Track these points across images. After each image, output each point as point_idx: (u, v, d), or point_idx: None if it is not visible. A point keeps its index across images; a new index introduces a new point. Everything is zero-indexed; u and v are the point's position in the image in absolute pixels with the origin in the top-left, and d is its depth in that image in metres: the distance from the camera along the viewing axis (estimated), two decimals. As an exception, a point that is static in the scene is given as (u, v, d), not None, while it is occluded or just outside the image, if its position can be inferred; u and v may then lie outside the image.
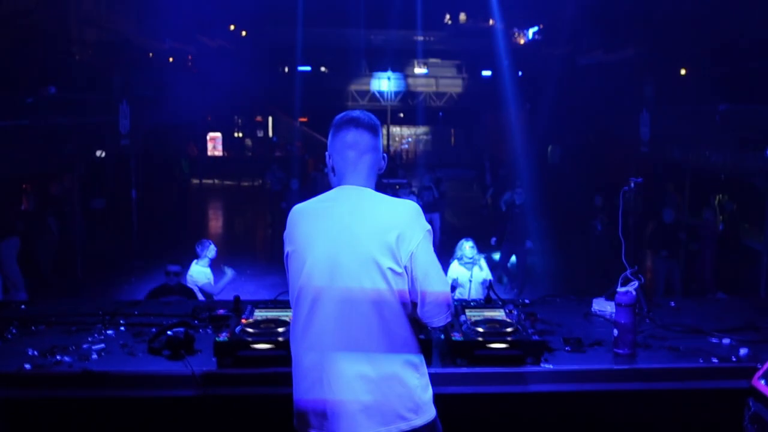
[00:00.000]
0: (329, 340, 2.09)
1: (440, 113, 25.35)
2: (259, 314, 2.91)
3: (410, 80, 25.16)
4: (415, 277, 2.09)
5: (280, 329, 2.65)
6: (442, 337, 2.81)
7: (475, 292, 6.46)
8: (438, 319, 2.16)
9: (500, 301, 3.20)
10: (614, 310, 2.77)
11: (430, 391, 2.19)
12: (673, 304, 3.45)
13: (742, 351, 2.72)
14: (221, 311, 3.12)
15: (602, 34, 15.32)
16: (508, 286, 10.12)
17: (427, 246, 2.12)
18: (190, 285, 6.65)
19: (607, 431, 2.72)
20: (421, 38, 22.56)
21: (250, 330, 2.66)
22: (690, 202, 11.55)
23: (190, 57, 19.90)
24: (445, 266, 6.35)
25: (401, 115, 26.02)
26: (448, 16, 25.31)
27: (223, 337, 2.61)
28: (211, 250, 6.94)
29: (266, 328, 2.68)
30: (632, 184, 3.38)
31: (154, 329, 2.86)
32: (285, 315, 2.85)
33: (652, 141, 12.00)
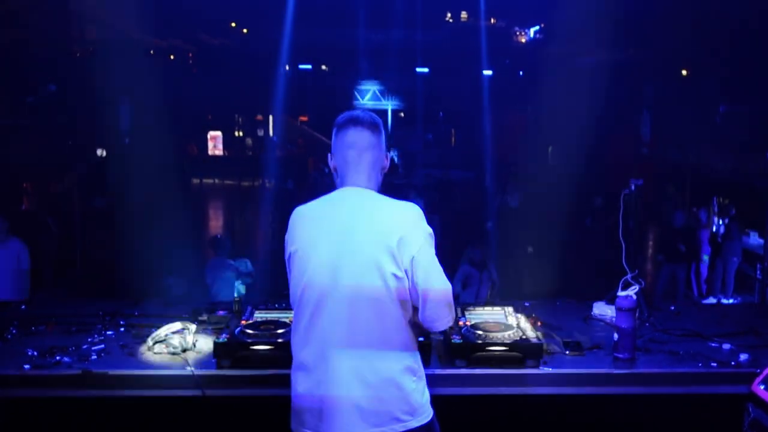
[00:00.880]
0: (329, 342, 2.10)
1: (440, 113, 25.32)
2: (259, 315, 2.92)
3: (411, 79, 25.13)
4: (417, 280, 2.08)
5: (280, 331, 2.66)
6: (442, 338, 2.82)
7: (485, 295, 6.43)
8: (439, 324, 2.15)
9: (500, 303, 3.21)
10: (614, 314, 2.77)
11: (427, 394, 2.19)
12: (673, 308, 3.45)
13: (742, 356, 2.72)
14: (221, 312, 3.13)
15: (603, 35, 15.31)
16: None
17: (428, 249, 2.11)
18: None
19: (606, 435, 2.72)
20: (422, 37, 22.55)
21: (250, 331, 2.66)
22: (690, 204, 11.55)
23: (190, 55, 19.90)
24: (451, 269, 6.34)
25: (402, 114, 26.00)
26: (449, 15, 25.32)
27: (223, 338, 2.62)
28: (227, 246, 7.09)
29: (265, 330, 2.68)
30: (632, 186, 3.38)
31: (153, 330, 2.86)
32: (284, 316, 2.85)
33: (652, 142, 12.00)
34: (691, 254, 9.66)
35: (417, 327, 2.17)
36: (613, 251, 3.25)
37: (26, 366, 2.56)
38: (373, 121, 2.25)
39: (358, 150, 2.21)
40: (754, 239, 10.29)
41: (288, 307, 3.00)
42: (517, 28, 22.02)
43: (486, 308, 3.09)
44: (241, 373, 2.57)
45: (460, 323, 2.79)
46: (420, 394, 2.15)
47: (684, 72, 13.17)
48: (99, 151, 13.15)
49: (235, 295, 6.00)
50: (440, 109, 25.23)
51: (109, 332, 2.96)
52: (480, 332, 2.68)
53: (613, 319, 2.81)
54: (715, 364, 2.68)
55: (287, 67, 24.33)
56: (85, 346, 2.77)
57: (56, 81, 10.44)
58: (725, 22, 10.53)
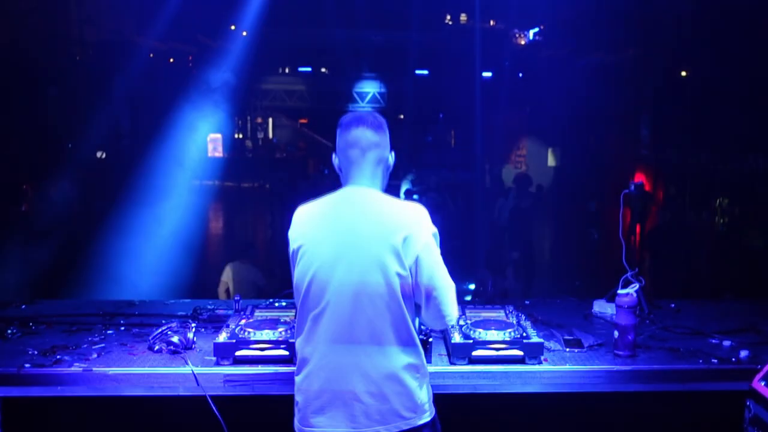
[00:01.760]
0: (333, 339, 2.11)
1: (441, 114, 25.33)
2: (259, 314, 2.91)
3: (411, 81, 25.14)
4: (421, 279, 2.10)
5: (280, 330, 2.65)
6: (442, 336, 2.82)
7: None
8: (441, 322, 2.17)
9: (500, 301, 3.21)
10: (615, 312, 2.77)
11: (430, 392, 2.21)
12: (673, 305, 3.45)
13: (743, 353, 2.72)
14: (221, 311, 3.13)
15: (602, 35, 15.33)
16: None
17: (433, 248, 2.13)
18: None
19: (607, 432, 2.72)
20: (421, 39, 22.55)
21: (250, 330, 2.66)
22: (690, 204, 11.55)
23: (190, 57, 19.89)
24: (461, 271, 6.31)
25: (401, 116, 26.00)
26: (448, 17, 25.32)
27: (223, 337, 2.61)
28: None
29: (266, 329, 2.68)
30: (632, 187, 3.38)
31: (154, 329, 2.86)
32: (285, 316, 2.85)
33: (652, 142, 12.00)
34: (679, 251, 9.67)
35: (418, 324, 2.18)
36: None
37: (27, 365, 2.56)
38: (376, 120, 2.26)
39: (362, 149, 2.22)
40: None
41: (288, 307, 3.01)
42: (516, 30, 22.01)
43: (486, 306, 3.09)
44: (242, 372, 2.56)
45: (461, 321, 2.79)
46: (423, 391, 2.17)
47: (684, 72, 13.17)
48: (98, 153, 13.15)
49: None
50: (440, 111, 25.23)
51: (109, 331, 2.96)
52: (480, 330, 2.68)
53: (614, 316, 2.81)
54: (715, 361, 2.68)
55: (287, 70, 24.37)
56: (85, 345, 2.77)
57: (56, 82, 10.45)
58: (725, 21, 10.53)
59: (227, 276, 7.00)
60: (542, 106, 15.92)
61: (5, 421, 2.54)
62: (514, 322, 2.82)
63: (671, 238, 9.65)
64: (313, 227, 2.17)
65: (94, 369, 2.54)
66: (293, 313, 2.72)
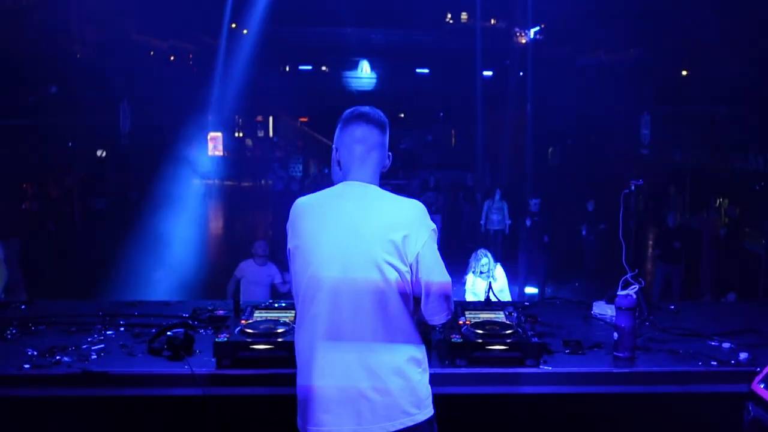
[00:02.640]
0: (335, 335, 2.11)
1: (441, 113, 25.33)
2: (259, 315, 2.91)
3: (411, 80, 25.13)
4: (420, 275, 2.12)
5: (280, 330, 2.65)
6: (442, 337, 2.82)
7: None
8: (440, 317, 2.19)
9: (500, 303, 3.20)
10: (614, 314, 2.77)
11: (429, 387, 2.21)
12: (673, 307, 3.45)
13: (742, 355, 2.72)
14: (221, 312, 3.13)
15: (603, 35, 15.33)
16: None
17: (432, 245, 2.15)
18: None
19: (606, 434, 2.72)
20: (422, 38, 22.55)
21: (250, 331, 2.66)
22: (691, 205, 11.55)
23: (191, 56, 19.89)
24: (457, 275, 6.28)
25: (402, 115, 25.99)
26: (449, 16, 25.30)
27: (223, 337, 2.61)
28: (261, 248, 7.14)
29: (266, 329, 2.67)
30: (632, 187, 3.38)
31: (153, 330, 2.86)
32: (284, 316, 2.85)
33: (652, 143, 12.00)
34: (688, 255, 9.65)
35: (420, 320, 2.20)
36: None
37: (26, 365, 2.56)
38: (381, 119, 2.26)
39: (366, 147, 2.23)
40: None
41: (288, 307, 3.00)
42: (517, 29, 22.00)
43: (486, 308, 3.09)
44: (241, 372, 2.56)
45: (460, 322, 2.79)
46: (425, 386, 2.18)
47: (684, 72, 13.17)
48: (99, 152, 13.17)
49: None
50: (440, 111, 25.22)
51: (108, 332, 2.96)
52: (480, 331, 2.68)
53: (613, 318, 2.81)
54: (714, 363, 2.68)
55: (287, 68, 24.35)
56: (84, 346, 2.76)
57: (56, 81, 10.45)
58: (725, 21, 10.54)
59: (240, 273, 7.05)
60: (543, 105, 15.91)
61: (5, 421, 2.54)
62: (514, 323, 2.82)
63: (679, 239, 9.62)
64: (313, 222, 2.17)
65: (93, 370, 2.54)
66: (293, 314, 2.72)
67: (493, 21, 20.80)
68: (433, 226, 2.18)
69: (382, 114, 2.28)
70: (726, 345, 2.86)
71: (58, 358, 2.63)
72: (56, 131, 10.33)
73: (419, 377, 2.16)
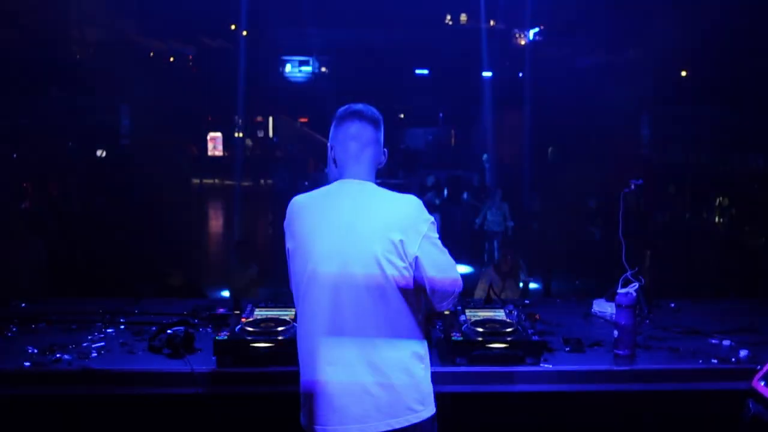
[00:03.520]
0: (336, 331, 2.10)
1: (440, 114, 25.34)
2: (259, 313, 2.91)
3: (411, 80, 25.12)
4: (425, 269, 2.11)
5: (280, 328, 2.65)
6: (442, 336, 2.82)
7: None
8: (448, 302, 2.20)
9: (500, 301, 3.21)
10: (614, 311, 2.77)
11: (431, 384, 2.21)
12: (673, 305, 3.45)
13: (742, 352, 2.72)
14: (221, 310, 3.13)
15: (602, 35, 15.33)
16: None
17: (432, 237, 2.15)
18: None
19: (607, 432, 2.72)
20: (421, 39, 22.54)
21: (250, 329, 2.66)
22: (691, 204, 11.55)
23: (190, 57, 19.90)
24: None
25: (402, 115, 26.00)
26: (448, 17, 25.31)
27: (223, 335, 2.61)
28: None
29: (266, 327, 2.68)
30: (632, 186, 3.38)
31: (154, 328, 2.86)
32: (285, 314, 2.85)
33: (652, 142, 12.01)
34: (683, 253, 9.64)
35: (421, 314, 2.20)
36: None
37: (26, 363, 2.56)
38: (374, 116, 2.26)
39: (361, 144, 2.22)
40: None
41: (288, 305, 3.00)
42: (516, 30, 22.01)
43: (486, 306, 3.09)
44: (242, 371, 2.56)
45: (461, 320, 2.79)
46: (428, 382, 2.18)
47: (684, 72, 13.17)
48: (99, 152, 13.16)
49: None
50: (440, 111, 25.23)
51: (109, 330, 2.96)
52: (480, 330, 2.68)
53: (613, 316, 2.81)
54: (715, 361, 2.68)
55: (287, 68, 24.36)
56: (85, 344, 2.77)
57: (56, 82, 10.45)
58: (725, 21, 10.54)
59: (254, 272, 7.03)
60: (542, 105, 15.92)
61: (5, 420, 2.54)
62: (514, 321, 2.82)
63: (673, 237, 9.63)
64: (310, 221, 2.17)
65: (93, 368, 2.55)
66: (293, 312, 2.72)
67: (492, 22, 20.78)
68: (431, 218, 2.18)
69: (375, 110, 2.28)
70: (726, 343, 2.86)
71: (58, 356, 2.63)
72: (56, 131, 10.32)
73: (423, 373, 2.16)
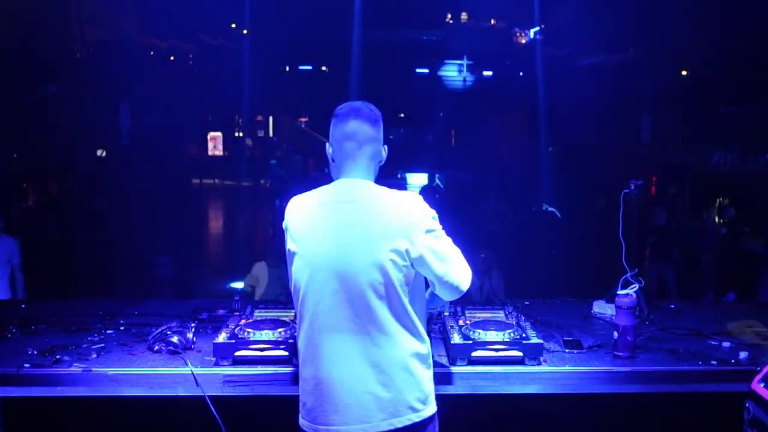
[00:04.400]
0: (337, 332, 2.10)
1: (441, 113, 25.31)
2: (259, 314, 2.91)
3: (411, 80, 25.10)
4: (431, 265, 2.11)
5: (279, 330, 2.65)
6: (441, 337, 2.82)
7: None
8: (457, 292, 2.19)
9: (500, 302, 3.21)
10: (614, 313, 2.77)
11: (433, 384, 2.21)
12: (673, 306, 3.45)
13: (742, 354, 2.72)
14: (221, 311, 3.13)
15: (603, 35, 15.33)
16: None
17: (436, 232, 2.14)
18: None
19: (606, 433, 2.72)
20: (422, 38, 22.54)
21: (250, 330, 2.66)
22: (691, 205, 11.54)
23: (191, 56, 19.89)
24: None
25: (402, 115, 25.98)
26: (449, 16, 25.30)
27: (223, 337, 2.61)
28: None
29: (265, 329, 2.68)
30: (632, 186, 3.38)
31: (154, 329, 2.86)
32: (284, 315, 2.85)
33: (652, 143, 12.00)
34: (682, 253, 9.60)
35: (424, 314, 2.22)
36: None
37: (26, 365, 2.56)
38: (372, 113, 2.24)
39: (358, 142, 2.20)
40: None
41: (288, 307, 3.00)
42: (517, 29, 22.00)
43: (486, 307, 3.09)
44: (241, 372, 2.56)
45: (460, 322, 2.79)
46: (430, 382, 2.18)
47: (684, 72, 13.17)
48: (99, 151, 13.16)
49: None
50: (440, 111, 25.20)
51: (109, 331, 2.96)
52: (480, 331, 2.68)
53: (613, 317, 2.81)
54: (714, 362, 2.68)
55: (287, 68, 24.34)
56: (85, 345, 2.76)
57: (56, 81, 10.45)
58: (725, 21, 10.54)
59: (258, 271, 6.93)
60: (542, 105, 15.90)
61: (5, 421, 2.54)
62: (514, 322, 2.82)
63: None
64: (310, 223, 2.16)
65: (93, 369, 2.54)
66: (293, 313, 2.72)
67: (492, 21, 20.78)
68: (433, 212, 2.16)
69: (374, 108, 2.26)
70: (726, 344, 2.86)
71: (58, 357, 2.63)
72: (56, 131, 10.32)
73: (424, 372, 2.16)
